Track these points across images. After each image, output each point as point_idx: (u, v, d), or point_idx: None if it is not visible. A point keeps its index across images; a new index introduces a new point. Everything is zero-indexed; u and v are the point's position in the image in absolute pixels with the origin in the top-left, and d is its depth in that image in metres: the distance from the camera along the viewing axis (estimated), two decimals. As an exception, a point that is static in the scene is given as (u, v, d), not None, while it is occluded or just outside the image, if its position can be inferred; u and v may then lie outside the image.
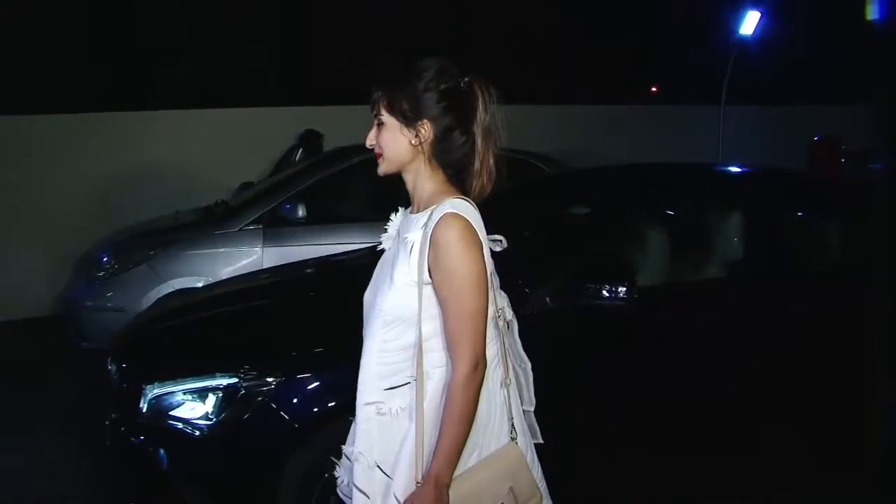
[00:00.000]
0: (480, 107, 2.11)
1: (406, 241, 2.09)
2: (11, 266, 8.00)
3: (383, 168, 2.16)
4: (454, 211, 2.03)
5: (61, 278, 7.28)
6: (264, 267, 6.06)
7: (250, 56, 15.46)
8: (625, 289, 3.52)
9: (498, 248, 2.18)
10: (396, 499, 2.05)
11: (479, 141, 2.11)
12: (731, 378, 3.78)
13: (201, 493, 3.44)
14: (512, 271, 3.57)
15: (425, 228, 2.05)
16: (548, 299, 3.63)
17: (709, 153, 10.39)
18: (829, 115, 10.51)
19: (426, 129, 2.10)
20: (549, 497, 2.23)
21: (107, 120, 8.98)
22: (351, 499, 2.17)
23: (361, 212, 6.53)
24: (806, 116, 10.95)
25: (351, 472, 2.18)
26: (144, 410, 3.44)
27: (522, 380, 2.24)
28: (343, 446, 2.24)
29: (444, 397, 2.03)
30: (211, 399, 3.32)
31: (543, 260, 3.98)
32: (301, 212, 6.24)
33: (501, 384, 2.14)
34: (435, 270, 2.03)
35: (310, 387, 3.36)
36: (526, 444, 2.18)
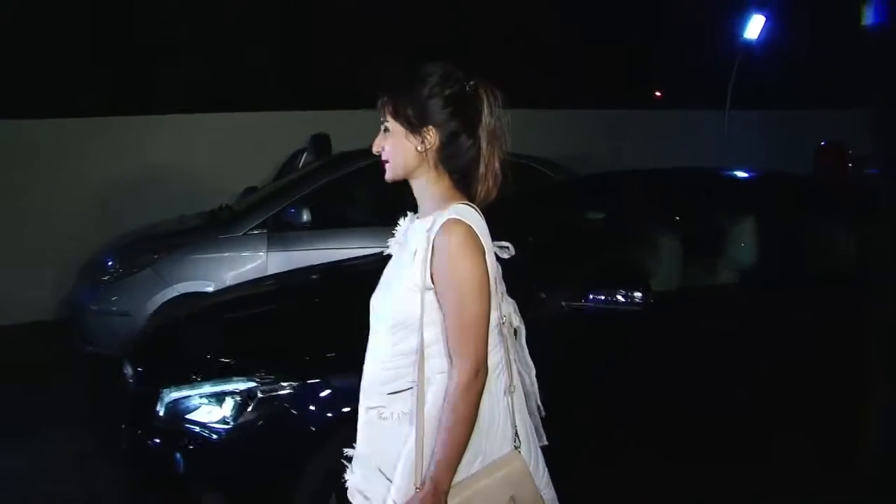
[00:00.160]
0: (486, 110, 2.11)
1: (410, 246, 2.10)
2: (16, 270, 8.00)
3: (390, 174, 2.16)
4: (457, 217, 2.03)
5: (66, 282, 7.29)
6: (268, 271, 6.08)
7: (254, 60, 15.49)
8: (640, 294, 3.54)
9: (505, 255, 2.18)
10: None
11: (484, 145, 2.11)
12: (746, 383, 3.79)
13: (218, 497, 3.46)
14: (527, 276, 3.59)
15: (429, 234, 2.05)
16: (563, 304, 3.65)
17: (713, 158, 10.38)
18: (833, 119, 10.49)
19: (432, 135, 2.10)
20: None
21: (111, 124, 8.99)
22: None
23: (366, 216, 6.55)
24: (810, 120, 10.94)
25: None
26: (161, 414, 3.46)
27: (529, 387, 2.24)
28: (346, 450, 2.25)
29: (445, 403, 2.03)
30: (228, 403, 3.34)
31: (559, 264, 4.00)
32: (305, 216, 6.24)
33: (505, 391, 2.14)
34: (437, 276, 2.03)
35: (327, 391, 3.37)
36: (532, 453, 2.18)
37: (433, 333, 2.06)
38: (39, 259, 8.06)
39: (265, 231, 6.28)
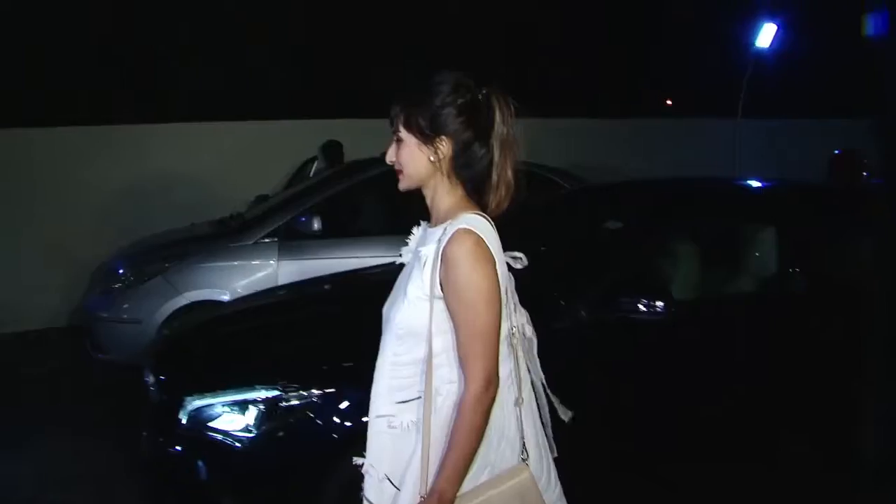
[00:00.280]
0: (498, 119, 2.10)
1: (420, 254, 2.09)
2: (27, 277, 8.03)
3: (403, 184, 2.16)
4: (467, 226, 2.02)
5: (77, 290, 7.32)
6: (279, 280, 6.09)
7: (263, 68, 15.54)
8: (662, 303, 3.55)
9: (518, 266, 2.17)
10: None
11: (496, 154, 2.10)
12: (769, 392, 3.81)
13: None
14: (547, 284, 3.67)
15: (439, 243, 2.04)
16: (583, 313, 3.66)
17: (725, 166, 10.35)
18: (845, 128, 10.43)
19: (444, 146, 2.09)
20: None
21: (121, 132, 9.02)
22: None
23: (377, 225, 6.54)
24: (822, 129, 10.88)
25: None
26: (184, 422, 3.47)
27: (540, 399, 2.22)
28: (355, 458, 2.24)
29: (454, 413, 2.02)
30: (252, 411, 3.36)
31: (579, 273, 4.02)
32: (316, 225, 6.24)
33: (515, 403, 2.12)
34: (446, 285, 2.02)
35: (349, 399, 3.36)
36: (543, 466, 2.17)
37: (442, 343, 2.05)
38: (50, 267, 8.09)
39: (276, 240, 6.29)
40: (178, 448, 3.55)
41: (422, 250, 2.09)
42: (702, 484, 3.76)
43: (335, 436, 3.34)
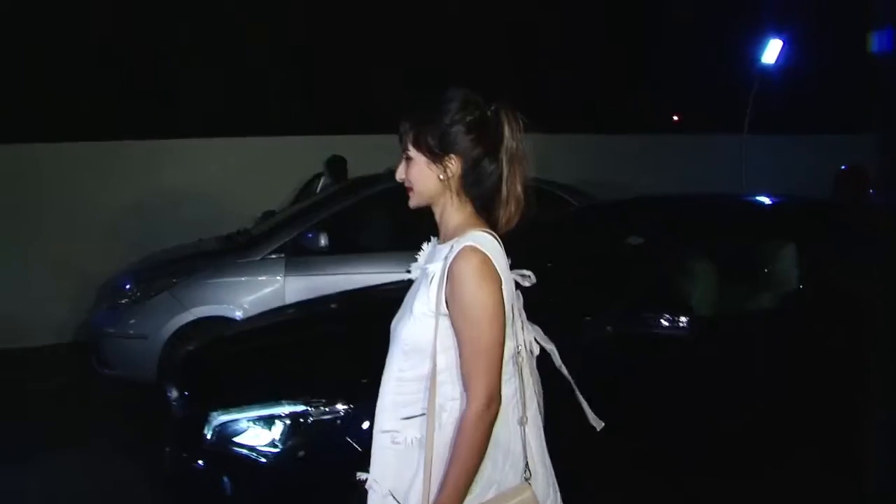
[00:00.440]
0: (507, 134, 2.10)
1: (427, 271, 2.10)
2: (34, 292, 8.05)
3: (413, 201, 2.17)
4: (474, 244, 2.02)
5: (84, 305, 7.33)
6: (286, 296, 6.08)
7: (269, 85, 15.60)
8: (686, 318, 3.57)
9: (527, 283, 2.17)
10: None
11: (506, 170, 2.10)
12: (790, 407, 3.83)
13: None
14: (571, 298, 3.71)
15: (445, 260, 2.05)
16: (608, 328, 3.69)
17: (732, 182, 10.35)
18: (851, 143, 10.43)
19: (454, 164, 2.10)
20: None
21: (128, 148, 9.05)
22: None
23: (384, 241, 6.52)
24: (828, 145, 10.88)
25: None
26: (209, 437, 3.47)
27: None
28: (359, 473, 2.23)
29: (457, 430, 2.02)
30: (278, 426, 3.37)
31: (603, 288, 4.04)
32: (323, 241, 6.22)
33: (519, 422, 2.12)
34: (451, 303, 2.02)
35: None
36: (548, 485, 2.17)
37: (446, 360, 2.05)
38: (57, 282, 8.10)
39: (283, 256, 6.29)
40: (203, 463, 3.55)
41: (429, 267, 2.10)
42: (725, 498, 3.79)
43: (361, 451, 3.34)
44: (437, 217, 2.17)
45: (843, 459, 3.83)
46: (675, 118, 20.76)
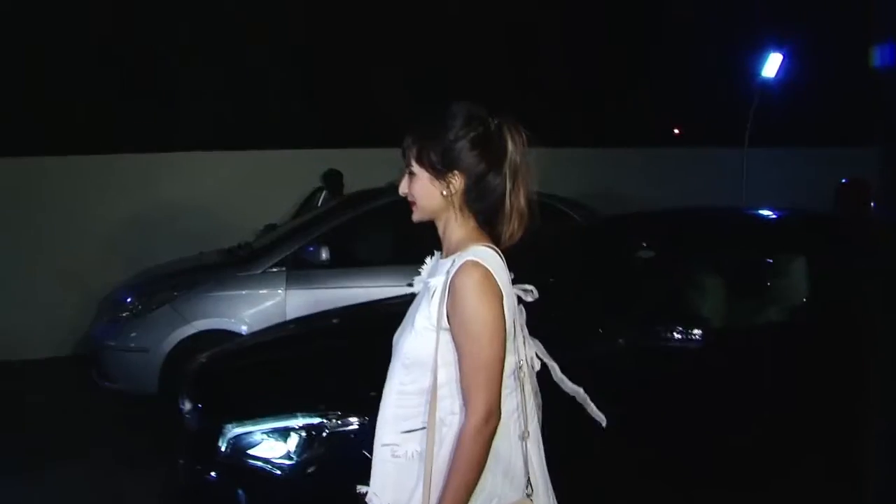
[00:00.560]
0: (511, 149, 2.10)
1: (429, 285, 2.09)
2: (34, 305, 8.05)
3: (416, 216, 2.17)
4: (475, 259, 2.02)
5: (84, 318, 7.32)
6: (287, 309, 6.08)
7: (269, 98, 15.63)
8: (699, 331, 3.60)
9: (529, 298, 2.16)
10: None
11: (509, 185, 2.10)
12: (805, 421, 3.83)
13: None
14: (584, 312, 3.74)
15: (447, 274, 2.04)
16: (620, 340, 3.71)
17: (733, 195, 10.36)
18: (851, 157, 10.44)
19: (457, 180, 2.09)
20: None
21: (130, 161, 9.07)
22: None
23: (385, 255, 6.54)
24: (828, 158, 10.89)
25: None
26: (224, 450, 3.48)
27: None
28: (359, 486, 2.22)
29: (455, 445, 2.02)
30: (293, 438, 3.38)
31: (616, 301, 4.07)
32: (324, 255, 6.22)
33: (520, 437, 2.12)
34: (452, 317, 2.02)
35: None
36: (549, 500, 2.16)
37: (446, 374, 2.05)
38: (57, 295, 8.10)
39: (284, 269, 6.29)
40: (217, 476, 3.56)
41: (431, 281, 2.10)
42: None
43: None
44: (440, 231, 2.17)
45: (850, 470, 3.83)
46: (676, 131, 20.80)
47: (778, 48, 11.34)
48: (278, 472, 3.37)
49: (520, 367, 2.14)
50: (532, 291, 2.17)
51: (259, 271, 6.30)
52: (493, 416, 1.99)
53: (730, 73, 14.50)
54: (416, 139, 2.11)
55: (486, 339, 1.99)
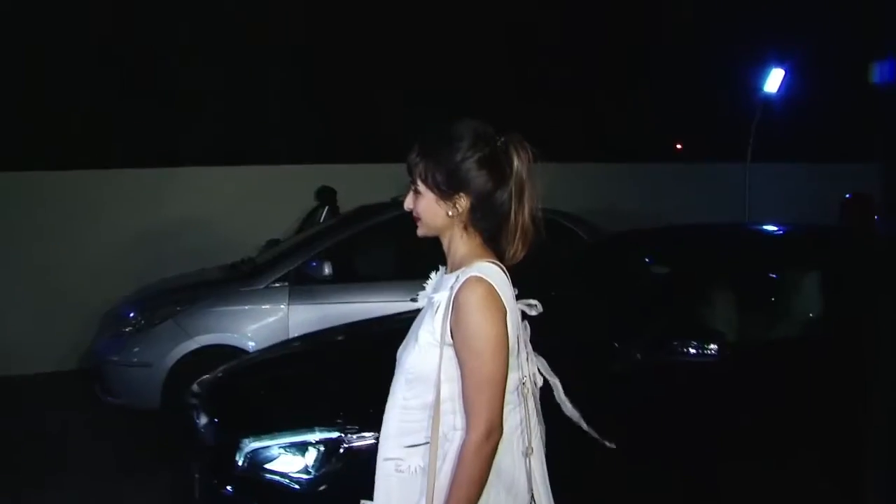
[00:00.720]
0: (517, 166, 2.10)
1: (433, 301, 2.09)
2: (37, 320, 8.05)
3: (421, 232, 2.17)
4: (479, 274, 2.02)
5: (87, 333, 7.32)
6: (290, 324, 6.08)
7: (272, 113, 15.68)
8: (716, 346, 3.60)
9: (533, 313, 2.16)
10: None
11: (514, 202, 2.10)
12: (822, 435, 3.83)
13: None
14: (600, 326, 3.74)
15: (451, 290, 2.04)
16: (638, 355, 3.71)
17: (736, 210, 10.37)
18: (854, 172, 10.44)
19: (463, 201, 2.09)
20: None
21: (133, 176, 9.10)
22: None
23: (388, 270, 6.52)
24: (831, 173, 10.90)
25: None
26: (241, 464, 3.48)
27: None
28: (363, 501, 2.22)
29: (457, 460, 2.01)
30: (311, 453, 3.37)
31: (632, 316, 4.08)
32: (327, 270, 6.22)
33: (524, 453, 2.11)
34: (456, 333, 2.02)
35: None
36: None
37: (449, 390, 2.05)
38: (60, 310, 8.10)
39: (287, 284, 6.28)
40: (234, 490, 3.55)
41: (435, 296, 2.10)
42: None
43: None
44: (445, 247, 2.17)
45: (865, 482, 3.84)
46: (678, 146, 20.84)
47: (780, 64, 11.39)
48: (296, 486, 3.37)
49: (523, 384, 2.13)
50: (536, 306, 2.17)
51: (262, 286, 6.30)
52: (494, 432, 1.99)
53: (732, 89, 14.54)
54: (422, 157, 2.11)
55: (488, 355, 1.99)
